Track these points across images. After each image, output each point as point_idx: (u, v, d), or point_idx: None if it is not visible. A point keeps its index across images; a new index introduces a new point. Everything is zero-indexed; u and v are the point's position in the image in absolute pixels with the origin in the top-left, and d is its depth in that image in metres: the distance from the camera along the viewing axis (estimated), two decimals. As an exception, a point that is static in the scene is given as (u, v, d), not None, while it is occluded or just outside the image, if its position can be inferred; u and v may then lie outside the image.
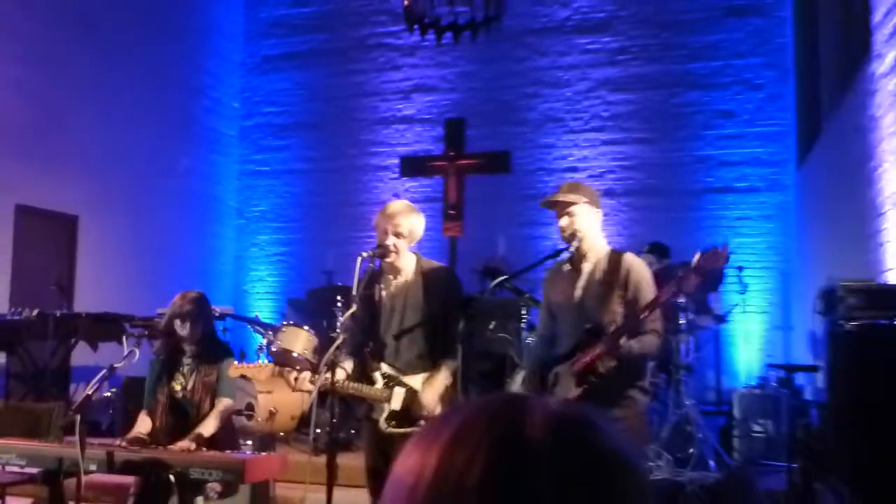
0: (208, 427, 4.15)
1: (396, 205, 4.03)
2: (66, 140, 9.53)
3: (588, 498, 0.66)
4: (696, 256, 3.45)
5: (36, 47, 9.22)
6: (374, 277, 4.04)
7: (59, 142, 9.43)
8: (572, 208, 3.67)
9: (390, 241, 3.87)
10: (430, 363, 3.87)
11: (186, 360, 4.33)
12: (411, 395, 3.80)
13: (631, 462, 0.71)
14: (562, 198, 3.68)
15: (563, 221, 3.68)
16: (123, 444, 4.09)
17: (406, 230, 3.88)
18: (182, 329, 4.25)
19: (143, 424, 4.33)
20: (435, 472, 0.68)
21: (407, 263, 3.98)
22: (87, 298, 9.28)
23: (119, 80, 10.26)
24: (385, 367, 3.88)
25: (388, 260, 3.93)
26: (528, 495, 0.65)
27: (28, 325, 7.51)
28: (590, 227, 3.72)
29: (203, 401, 4.25)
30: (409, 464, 0.71)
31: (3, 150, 8.78)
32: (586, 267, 3.72)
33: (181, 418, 4.28)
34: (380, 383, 3.85)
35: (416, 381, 3.85)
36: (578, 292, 3.71)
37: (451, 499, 0.66)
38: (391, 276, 3.98)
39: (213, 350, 4.38)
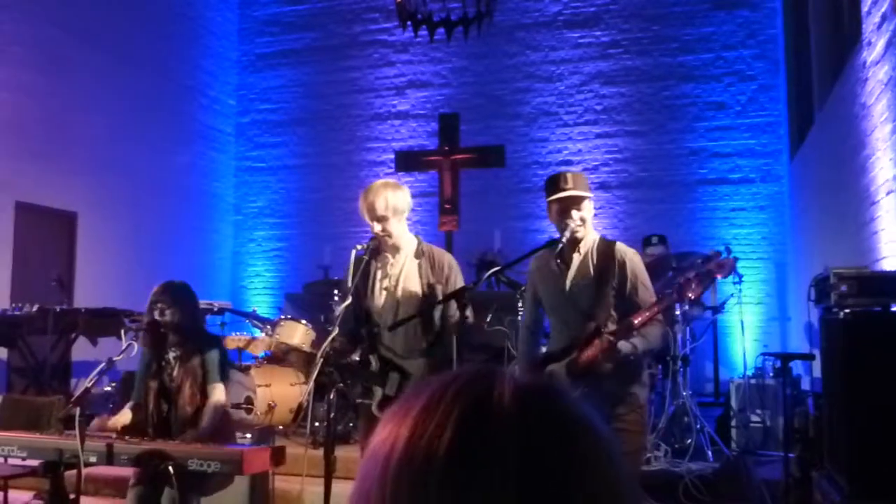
0: (201, 426, 4.15)
1: (372, 186, 3.82)
2: (65, 138, 9.59)
3: (553, 465, 0.68)
4: (700, 262, 3.39)
5: (39, 51, 9.31)
6: (371, 255, 3.86)
7: (59, 140, 9.50)
8: (583, 203, 3.52)
9: (377, 227, 3.74)
10: (427, 347, 3.78)
11: (172, 351, 4.33)
12: (406, 381, 3.77)
13: (597, 431, 0.72)
14: (577, 192, 3.50)
15: (575, 215, 3.49)
16: (99, 427, 4.10)
17: (384, 209, 3.71)
18: (161, 315, 4.24)
19: (123, 416, 4.32)
20: (406, 442, 0.70)
21: (406, 243, 3.85)
22: (87, 294, 9.33)
23: (118, 80, 10.32)
24: (382, 351, 3.80)
25: (389, 242, 3.80)
26: (495, 462, 0.67)
27: (28, 320, 7.58)
28: (590, 220, 3.60)
29: (184, 386, 4.23)
30: (383, 435, 0.73)
31: (3, 148, 8.86)
32: (576, 258, 3.57)
33: (167, 405, 4.28)
34: (374, 366, 3.78)
35: (412, 365, 3.77)
36: (568, 285, 3.56)
37: (422, 467, 0.68)
38: (389, 256, 3.85)
39: (198, 339, 4.36)
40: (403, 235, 3.85)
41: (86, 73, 9.89)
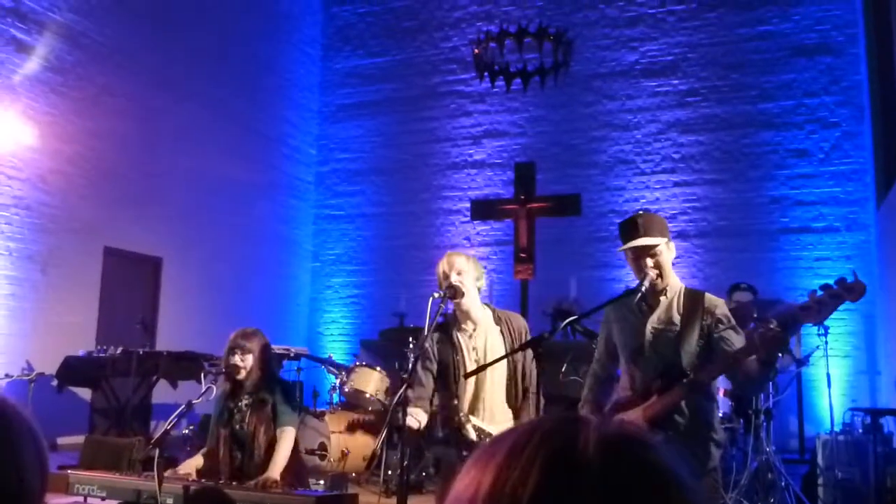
0: (276, 467, 4.17)
1: (455, 252, 4.04)
2: (153, 186, 9.98)
3: None
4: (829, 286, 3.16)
5: (131, 101, 9.78)
6: (447, 327, 3.93)
7: (146, 188, 9.89)
8: (657, 248, 3.40)
9: (454, 278, 3.78)
10: (511, 413, 3.80)
11: (245, 398, 4.39)
12: None
13: (684, 482, 0.71)
14: (647, 242, 3.39)
15: (650, 262, 3.38)
16: (172, 474, 4.16)
17: (466, 268, 3.81)
18: (239, 361, 4.30)
19: (195, 461, 4.38)
20: (490, 487, 0.70)
21: (483, 315, 3.89)
22: (169, 337, 9.59)
23: (204, 130, 10.73)
24: (475, 420, 3.77)
25: (461, 307, 3.83)
26: None
27: (112, 362, 7.81)
28: (670, 264, 3.47)
29: (258, 432, 4.27)
30: (466, 481, 0.73)
31: (94, 195, 9.27)
32: (662, 301, 3.43)
33: (239, 453, 4.32)
34: (472, 435, 3.73)
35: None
36: (650, 329, 3.41)
37: None
38: (467, 327, 3.89)
39: (271, 385, 4.41)
40: (475, 305, 3.89)
41: (174, 124, 10.31)
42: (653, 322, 3.43)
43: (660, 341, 3.40)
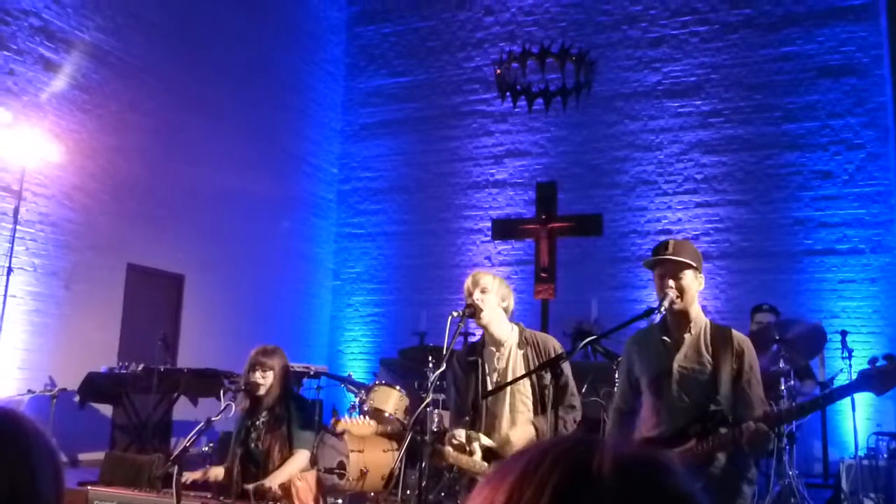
0: (276, 478, 4.18)
1: (481, 270, 3.97)
2: (176, 203, 10.07)
3: None
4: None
5: (156, 120, 9.89)
6: (475, 348, 3.89)
7: (169, 205, 9.98)
8: (683, 272, 3.34)
9: (476, 296, 3.74)
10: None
11: (263, 414, 4.40)
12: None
13: None
14: (673, 258, 3.33)
15: (672, 284, 3.32)
16: (199, 475, 4.19)
17: (491, 286, 3.75)
18: (259, 378, 4.31)
19: (218, 469, 4.41)
20: None
21: (507, 335, 3.82)
22: (190, 354, 9.64)
23: (227, 148, 10.82)
24: (484, 440, 3.69)
25: (484, 325, 3.79)
26: None
27: (134, 379, 7.85)
28: (695, 294, 3.40)
29: (272, 450, 4.28)
30: (479, 500, 0.72)
31: (118, 212, 9.36)
32: (688, 338, 3.37)
33: (253, 469, 4.33)
34: (478, 455, 3.65)
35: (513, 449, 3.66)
36: (676, 366, 3.34)
37: None
38: (494, 348, 3.83)
39: (288, 404, 4.42)
40: (503, 326, 3.83)
41: (197, 141, 10.41)
42: (679, 360, 3.36)
43: (688, 382, 3.33)
